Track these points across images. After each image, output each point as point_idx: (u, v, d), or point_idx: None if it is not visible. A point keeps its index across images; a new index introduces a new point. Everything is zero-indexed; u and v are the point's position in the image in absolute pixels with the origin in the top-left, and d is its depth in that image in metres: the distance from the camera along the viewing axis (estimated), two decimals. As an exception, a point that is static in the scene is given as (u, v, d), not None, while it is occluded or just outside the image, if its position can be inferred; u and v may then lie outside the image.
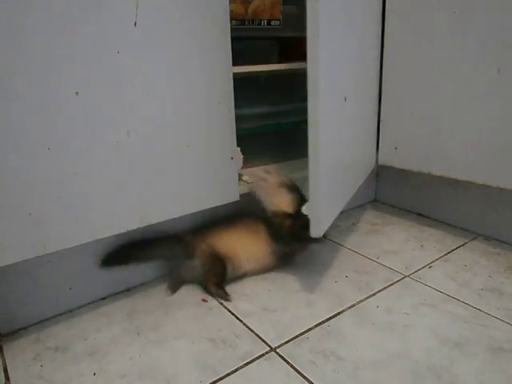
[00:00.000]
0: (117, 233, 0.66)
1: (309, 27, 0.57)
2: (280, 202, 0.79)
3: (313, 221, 0.65)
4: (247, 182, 0.85)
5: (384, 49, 0.94)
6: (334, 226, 1.05)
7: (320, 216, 0.65)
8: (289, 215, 0.78)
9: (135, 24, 0.58)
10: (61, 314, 0.72)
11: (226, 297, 0.73)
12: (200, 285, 0.78)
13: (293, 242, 0.79)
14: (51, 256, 0.66)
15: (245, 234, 0.78)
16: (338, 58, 0.67)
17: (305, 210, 0.69)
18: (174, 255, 0.79)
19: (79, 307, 0.73)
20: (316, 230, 0.65)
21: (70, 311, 0.73)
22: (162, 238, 0.76)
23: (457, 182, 0.90)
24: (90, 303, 0.75)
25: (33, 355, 0.62)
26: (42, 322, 0.70)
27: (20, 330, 0.68)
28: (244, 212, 0.83)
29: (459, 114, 0.84)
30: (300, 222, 0.73)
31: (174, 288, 0.77)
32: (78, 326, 0.69)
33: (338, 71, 0.68)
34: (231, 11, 0.71)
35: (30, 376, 0.58)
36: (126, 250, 0.74)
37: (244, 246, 0.78)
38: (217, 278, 0.75)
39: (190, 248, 0.77)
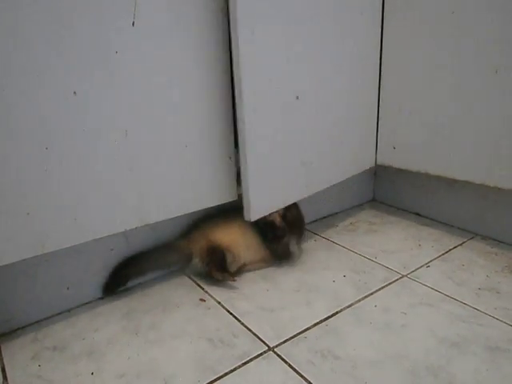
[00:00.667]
0: (115, 232, 0.66)
1: (232, 29, 0.62)
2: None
3: (244, 206, 0.73)
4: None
5: (383, 48, 0.94)
6: (332, 224, 1.05)
7: (249, 203, 0.72)
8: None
9: (133, 24, 0.57)
10: (58, 314, 0.72)
11: (231, 278, 0.75)
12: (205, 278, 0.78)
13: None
14: (49, 255, 0.66)
15: (240, 227, 0.80)
16: (278, 56, 0.70)
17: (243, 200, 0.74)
18: (172, 263, 0.80)
19: (77, 307, 0.73)
20: (247, 214, 0.73)
21: (68, 311, 0.72)
22: (155, 250, 0.77)
23: (455, 181, 0.90)
24: (87, 303, 0.74)
25: (31, 355, 0.62)
26: (40, 322, 0.70)
27: (18, 329, 0.68)
28: (235, 207, 0.84)
29: (457, 114, 0.84)
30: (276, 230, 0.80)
31: None
32: (75, 325, 0.69)
33: (280, 70, 0.70)
34: (230, 10, 0.70)
35: (27, 376, 0.58)
36: (122, 272, 0.74)
37: (241, 237, 0.79)
38: (218, 265, 0.77)
39: (187, 252, 0.78)
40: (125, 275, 0.75)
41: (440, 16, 0.82)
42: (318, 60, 0.78)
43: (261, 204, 0.74)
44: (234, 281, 0.76)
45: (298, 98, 0.75)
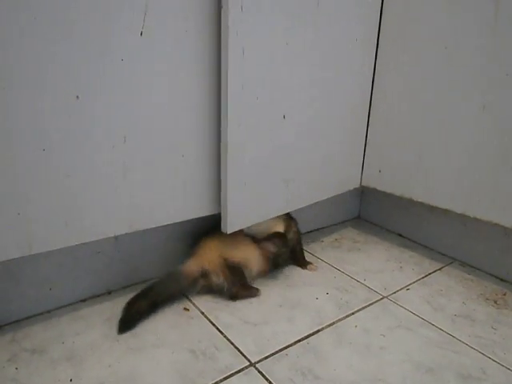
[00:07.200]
0: (105, 237, 0.66)
1: (223, 46, 0.64)
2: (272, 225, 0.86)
3: (222, 218, 0.75)
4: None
5: (375, 76, 0.96)
6: (318, 240, 1.07)
7: (226, 215, 0.74)
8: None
9: (141, 34, 0.57)
10: (39, 315, 0.70)
11: (257, 292, 0.79)
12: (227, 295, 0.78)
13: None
14: (33, 255, 0.64)
15: (245, 240, 0.82)
16: (267, 75, 0.72)
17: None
18: (185, 287, 0.77)
19: (58, 308, 0.72)
20: (224, 227, 0.75)
21: (49, 312, 0.71)
22: (165, 278, 0.74)
23: (437, 207, 0.93)
24: (69, 305, 0.73)
25: (8, 356, 0.61)
26: (19, 322, 0.68)
27: (-5, 328, 0.66)
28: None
29: (442, 146, 0.87)
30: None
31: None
32: (56, 328, 0.68)
33: (268, 89, 0.73)
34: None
35: (3, 379, 0.57)
36: (134, 307, 0.70)
37: (248, 249, 0.81)
38: (244, 284, 0.79)
39: (198, 271, 0.76)
40: (136, 311, 0.70)
41: (433, 50, 0.85)
42: (308, 81, 0.80)
43: (238, 217, 0.75)
44: (259, 294, 0.79)
45: (284, 117, 0.76)
